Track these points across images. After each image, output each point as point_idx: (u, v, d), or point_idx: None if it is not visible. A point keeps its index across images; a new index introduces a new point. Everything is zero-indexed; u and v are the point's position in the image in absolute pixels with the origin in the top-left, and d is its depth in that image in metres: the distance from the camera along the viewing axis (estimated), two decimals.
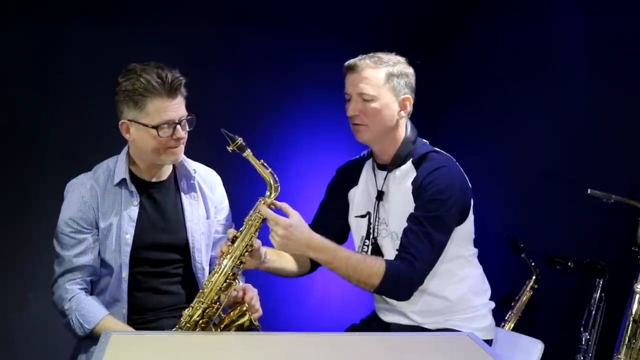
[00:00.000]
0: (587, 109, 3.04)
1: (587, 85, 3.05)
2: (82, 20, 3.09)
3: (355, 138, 2.22)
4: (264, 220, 2.02)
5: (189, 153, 2.26)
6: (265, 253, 2.11)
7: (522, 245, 3.13)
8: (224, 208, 2.36)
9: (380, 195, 2.23)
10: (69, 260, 2.10)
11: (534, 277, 3.16)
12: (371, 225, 2.25)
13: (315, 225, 2.32)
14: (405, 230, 2.11)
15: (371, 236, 2.25)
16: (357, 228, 2.32)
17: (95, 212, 2.11)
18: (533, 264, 3.15)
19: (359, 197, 2.31)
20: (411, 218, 2.12)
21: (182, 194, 2.24)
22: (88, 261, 2.11)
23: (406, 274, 2.06)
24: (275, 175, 2.04)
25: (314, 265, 2.33)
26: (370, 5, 3.57)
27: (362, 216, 2.29)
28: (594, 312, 2.77)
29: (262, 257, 2.11)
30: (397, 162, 2.20)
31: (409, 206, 2.14)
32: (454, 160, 2.22)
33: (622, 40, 2.89)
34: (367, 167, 2.33)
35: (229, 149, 1.98)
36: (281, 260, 2.23)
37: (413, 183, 2.15)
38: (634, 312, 2.42)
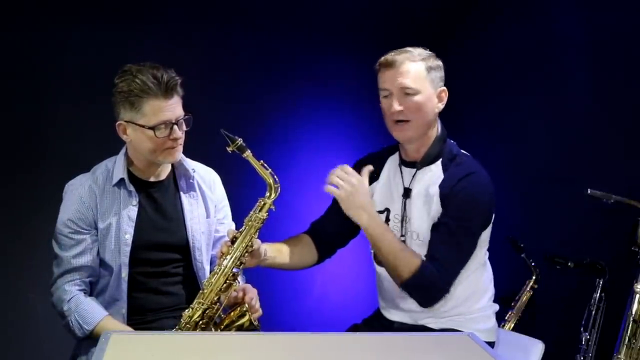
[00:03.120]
0: (587, 109, 3.04)
1: (587, 85, 3.05)
2: (82, 20, 3.09)
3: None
4: (264, 220, 2.02)
5: (189, 154, 2.26)
6: (265, 251, 2.11)
7: (522, 245, 3.13)
8: (223, 207, 2.35)
9: (407, 193, 2.21)
10: (68, 261, 2.10)
11: (534, 277, 3.16)
12: (388, 222, 2.23)
13: (329, 216, 2.33)
14: (435, 239, 2.11)
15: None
16: None
17: (94, 213, 2.11)
18: (533, 264, 3.15)
19: (379, 193, 2.28)
20: (443, 226, 2.10)
21: (181, 193, 2.23)
22: (87, 262, 2.11)
23: (435, 281, 2.07)
24: (275, 176, 2.04)
25: (321, 256, 2.32)
26: (370, 5, 3.57)
27: (381, 212, 2.26)
28: (594, 312, 2.77)
29: (262, 256, 2.11)
30: (427, 160, 2.18)
31: (432, 208, 2.13)
32: (480, 164, 2.20)
33: (623, 40, 2.89)
34: (392, 162, 2.30)
35: (229, 149, 1.98)
36: (282, 256, 2.22)
37: (441, 187, 2.13)
38: (634, 312, 2.42)
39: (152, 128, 2.04)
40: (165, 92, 2.04)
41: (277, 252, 2.19)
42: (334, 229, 2.30)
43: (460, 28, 3.69)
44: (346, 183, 2.05)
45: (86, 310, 2.07)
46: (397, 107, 2.10)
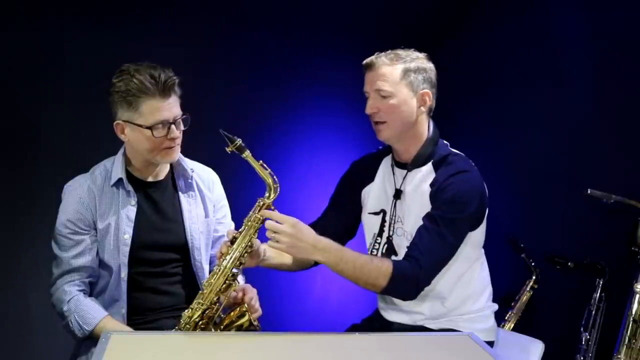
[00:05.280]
0: (587, 109, 3.04)
1: (587, 85, 3.05)
2: (81, 20, 3.09)
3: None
4: (264, 221, 2.02)
5: (188, 154, 2.26)
6: (264, 251, 2.11)
7: (522, 245, 3.13)
8: (222, 206, 2.36)
9: (398, 194, 2.22)
10: (67, 261, 2.10)
11: (534, 277, 3.16)
12: (385, 223, 2.24)
13: (325, 219, 2.34)
14: (419, 229, 2.10)
15: (384, 234, 2.24)
16: (370, 225, 2.31)
17: (93, 213, 2.11)
18: (533, 264, 3.16)
19: (374, 194, 2.29)
20: (427, 216, 2.11)
21: (179, 193, 2.23)
22: (86, 262, 2.11)
23: (413, 274, 2.05)
24: (274, 176, 2.04)
25: None
26: (369, 4, 3.57)
27: (376, 213, 2.28)
28: (594, 312, 2.77)
29: (261, 256, 2.11)
30: (418, 162, 2.19)
31: (426, 208, 2.14)
32: (474, 164, 2.21)
33: (622, 39, 2.89)
34: (385, 163, 2.31)
35: (228, 150, 1.98)
36: (281, 256, 2.23)
37: (432, 185, 2.14)
38: (634, 312, 2.41)
39: (150, 128, 2.04)
40: (163, 92, 2.04)
41: (276, 253, 2.19)
42: (331, 231, 2.31)
43: (459, 28, 3.69)
44: (282, 235, 1.94)
45: (86, 310, 2.07)
46: (370, 109, 2.16)
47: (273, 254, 2.18)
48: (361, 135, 3.45)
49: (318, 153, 3.61)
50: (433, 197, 2.13)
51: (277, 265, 2.22)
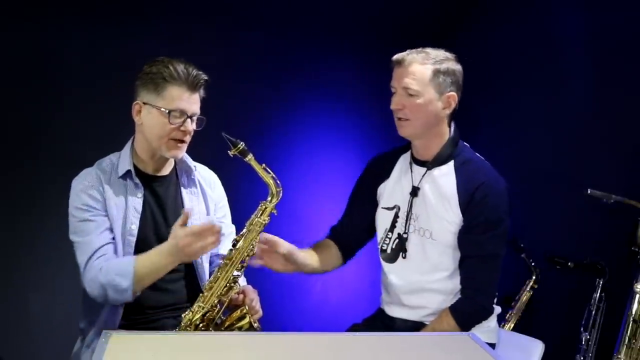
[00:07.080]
0: (587, 109, 3.04)
1: (587, 85, 3.05)
2: (82, 19, 3.09)
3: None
4: (266, 224, 2.03)
5: (190, 155, 2.26)
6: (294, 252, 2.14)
7: (522, 245, 3.13)
8: (223, 206, 2.36)
9: (415, 191, 2.22)
10: (91, 243, 2.05)
11: (534, 277, 3.16)
12: (397, 219, 2.25)
13: (346, 219, 2.36)
14: (467, 259, 2.14)
15: (396, 230, 2.25)
16: (382, 220, 2.31)
17: (104, 199, 2.11)
18: (533, 264, 3.16)
19: (390, 189, 2.30)
20: (473, 243, 2.13)
21: (182, 188, 2.24)
22: (109, 239, 2.08)
23: (473, 307, 2.14)
24: (277, 180, 2.04)
25: (345, 259, 2.36)
26: (370, 5, 3.57)
27: (390, 208, 2.28)
28: (594, 312, 2.77)
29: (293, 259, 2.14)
30: (438, 160, 2.20)
31: (448, 210, 2.15)
32: (492, 166, 2.22)
33: (623, 39, 2.89)
34: (403, 160, 2.31)
35: (231, 153, 1.98)
36: (312, 260, 2.25)
37: (460, 191, 2.14)
38: (634, 312, 2.41)
39: (169, 112, 2.06)
40: (192, 85, 2.08)
41: (307, 258, 2.21)
42: (353, 232, 2.34)
43: (459, 28, 3.69)
44: None
45: (117, 262, 2.03)
46: (395, 105, 2.16)
47: (304, 260, 2.20)
48: (361, 135, 3.45)
49: (318, 153, 3.60)
50: (466, 210, 2.13)
51: (307, 269, 2.23)
